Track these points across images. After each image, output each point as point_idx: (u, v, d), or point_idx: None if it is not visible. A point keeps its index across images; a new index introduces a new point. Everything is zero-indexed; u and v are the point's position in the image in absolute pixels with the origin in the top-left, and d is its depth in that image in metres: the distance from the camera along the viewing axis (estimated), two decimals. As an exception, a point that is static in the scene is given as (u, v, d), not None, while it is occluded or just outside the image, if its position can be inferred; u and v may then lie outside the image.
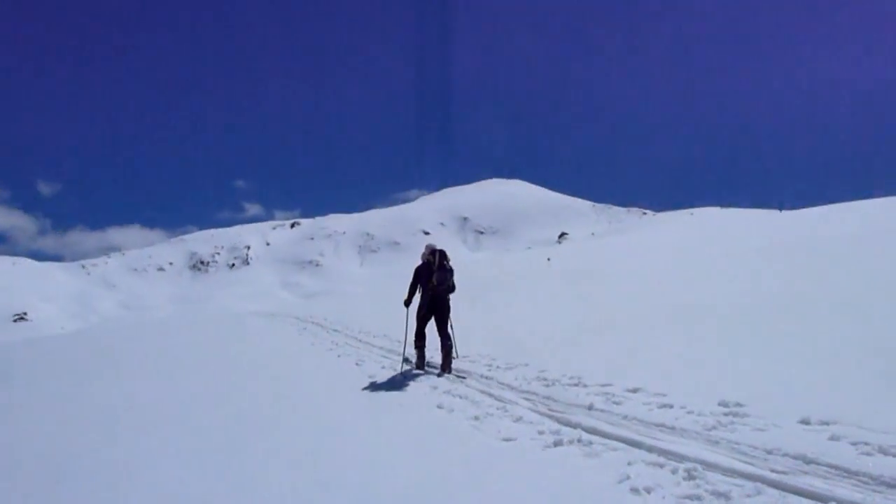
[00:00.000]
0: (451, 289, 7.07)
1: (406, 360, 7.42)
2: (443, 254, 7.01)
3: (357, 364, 7.64)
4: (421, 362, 7.06)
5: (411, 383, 6.17)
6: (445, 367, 6.68)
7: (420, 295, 7.09)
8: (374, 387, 6.20)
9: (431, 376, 6.44)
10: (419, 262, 7.25)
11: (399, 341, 8.90)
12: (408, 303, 7.25)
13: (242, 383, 7.09)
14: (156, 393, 6.53)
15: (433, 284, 6.87)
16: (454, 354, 7.20)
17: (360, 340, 10.33)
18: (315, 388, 6.51)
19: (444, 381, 6.10)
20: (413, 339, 7.18)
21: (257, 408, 5.56)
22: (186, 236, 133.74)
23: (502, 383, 5.82)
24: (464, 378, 6.40)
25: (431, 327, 7.08)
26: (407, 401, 5.45)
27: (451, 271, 7.00)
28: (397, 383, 6.24)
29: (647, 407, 4.45)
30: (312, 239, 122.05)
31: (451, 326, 7.18)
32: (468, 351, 7.63)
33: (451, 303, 7.14)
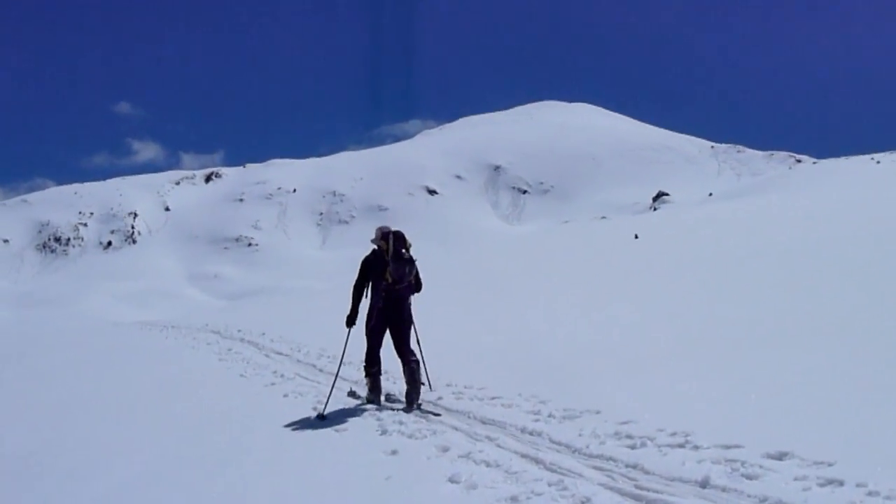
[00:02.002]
0: (416, 288, 7.99)
1: (354, 394, 8.21)
2: (399, 237, 7.74)
3: (315, 409, 7.75)
4: (375, 395, 7.92)
5: (405, 441, 6.24)
6: (412, 398, 7.54)
7: (370, 299, 7.88)
8: (345, 447, 6.27)
9: (438, 432, 6.50)
10: (372, 249, 7.97)
11: (386, 372, 8.97)
12: (351, 320, 7.91)
13: (121, 453, 7.16)
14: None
15: (389, 282, 7.64)
16: (424, 382, 8.02)
17: (319, 370, 10.43)
18: (249, 451, 6.58)
19: (461, 440, 6.15)
20: (364, 362, 7.96)
21: None
22: (32, 196, 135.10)
23: (557, 442, 5.86)
24: (438, 415, 6.99)
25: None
26: (399, 471, 5.50)
27: (411, 262, 7.77)
28: (382, 441, 6.31)
29: (802, 483, 4.46)
30: (242, 200, 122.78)
31: (419, 344, 8.18)
32: (500, 389, 7.69)
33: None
